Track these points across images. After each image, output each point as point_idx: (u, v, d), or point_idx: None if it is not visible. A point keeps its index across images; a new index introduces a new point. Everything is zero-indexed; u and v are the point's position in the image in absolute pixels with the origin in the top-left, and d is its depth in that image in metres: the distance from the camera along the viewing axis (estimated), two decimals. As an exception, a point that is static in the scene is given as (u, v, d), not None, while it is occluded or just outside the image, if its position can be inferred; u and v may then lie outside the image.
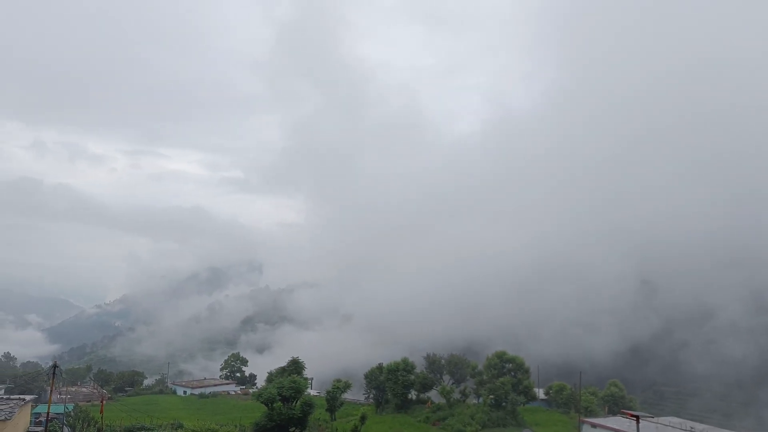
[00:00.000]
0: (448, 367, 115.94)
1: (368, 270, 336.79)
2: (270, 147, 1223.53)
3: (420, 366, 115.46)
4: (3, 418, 64.50)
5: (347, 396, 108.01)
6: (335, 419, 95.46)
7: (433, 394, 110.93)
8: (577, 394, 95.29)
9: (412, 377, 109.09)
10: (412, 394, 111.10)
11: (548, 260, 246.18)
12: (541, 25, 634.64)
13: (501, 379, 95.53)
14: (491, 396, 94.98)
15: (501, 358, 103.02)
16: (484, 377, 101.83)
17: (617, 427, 74.87)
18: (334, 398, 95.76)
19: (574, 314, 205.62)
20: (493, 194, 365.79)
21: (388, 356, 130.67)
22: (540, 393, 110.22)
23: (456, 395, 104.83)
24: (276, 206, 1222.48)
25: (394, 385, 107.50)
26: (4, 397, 76.84)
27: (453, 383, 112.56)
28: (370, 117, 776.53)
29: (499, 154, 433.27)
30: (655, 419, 76.10)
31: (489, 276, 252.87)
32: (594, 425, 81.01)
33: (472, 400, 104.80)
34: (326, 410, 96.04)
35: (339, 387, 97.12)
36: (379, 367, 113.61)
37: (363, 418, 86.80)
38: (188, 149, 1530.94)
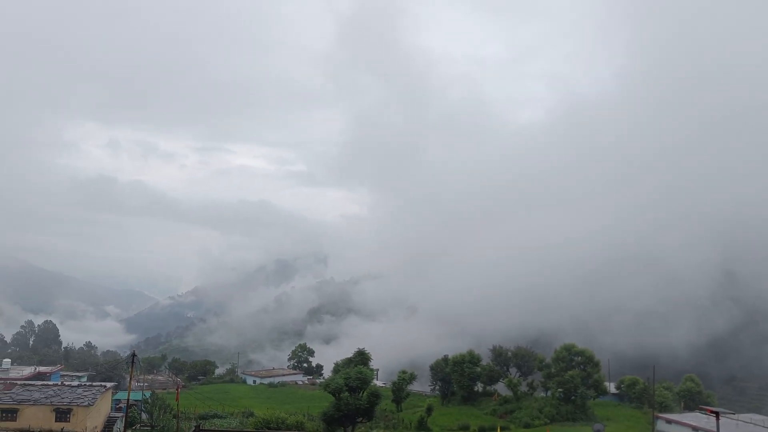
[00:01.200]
0: (514, 359, 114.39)
1: (433, 261, 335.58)
2: (333, 140, 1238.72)
3: (486, 358, 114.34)
4: (86, 403, 67.83)
5: (413, 387, 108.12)
6: (401, 410, 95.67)
7: (500, 387, 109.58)
8: (651, 389, 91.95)
9: (478, 369, 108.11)
10: (478, 387, 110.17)
11: (622, 249, 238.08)
12: (609, 9, 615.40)
13: (570, 372, 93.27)
14: (560, 389, 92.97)
15: (569, 350, 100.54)
16: (552, 370, 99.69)
17: (695, 424, 71.90)
18: (399, 389, 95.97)
19: (650, 305, 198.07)
20: (562, 182, 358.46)
21: (453, 348, 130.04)
22: (611, 387, 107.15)
23: (523, 388, 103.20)
24: (339, 199, 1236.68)
25: (459, 377, 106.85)
26: (87, 384, 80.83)
27: (520, 376, 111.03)
28: (433, 108, 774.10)
29: (566, 141, 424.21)
30: (735, 416, 72.46)
31: (559, 266, 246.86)
32: (669, 421, 78.05)
33: (540, 394, 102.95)
34: (392, 401, 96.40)
35: (404, 378, 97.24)
36: (445, 359, 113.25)
37: (429, 410, 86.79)
38: (254, 144, 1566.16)
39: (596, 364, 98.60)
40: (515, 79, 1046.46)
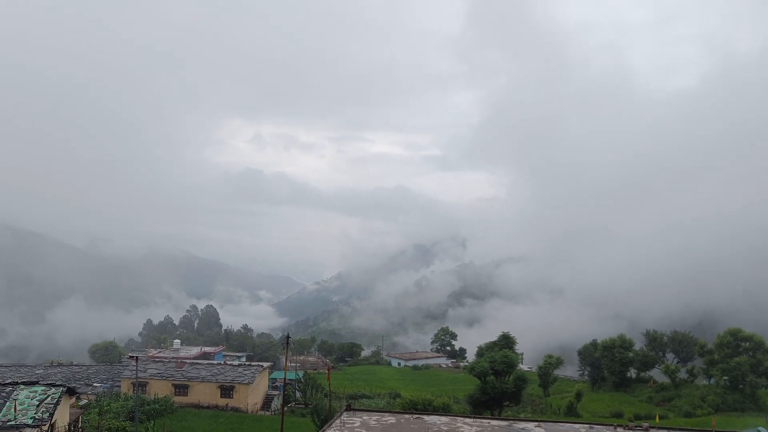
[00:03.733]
0: (671, 344, 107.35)
1: (580, 240, 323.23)
2: (467, 123, 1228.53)
3: (639, 343, 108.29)
4: (247, 381, 72.84)
5: (559, 372, 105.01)
6: (548, 395, 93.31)
7: (656, 373, 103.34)
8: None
9: (631, 355, 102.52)
10: (631, 373, 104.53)
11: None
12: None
13: (736, 359, 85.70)
14: (725, 377, 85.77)
15: (735, 335, 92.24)
16: (716, 357, 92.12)
17: None
18: (546, 374, 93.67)
19: None
20: (720, 151, 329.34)
21: (603, 332, 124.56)
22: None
23: (682, 375, 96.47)
24: (475, 181, 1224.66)
25: (610, 362, 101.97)
26: (246, 363, 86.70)
27: (678, 362, 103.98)
28: (572, 81, 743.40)
29: (724, 108, 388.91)
30: None
31: (724, 243, 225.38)
32: None
33: (702, 381, 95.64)
34: (539, 386, 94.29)
35: (551, 362, 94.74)
36: (594, 344, 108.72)
37: (578, 395, 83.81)
38: (388, 131, 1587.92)
39: (767, 351, 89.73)
40: (663, 45, 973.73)
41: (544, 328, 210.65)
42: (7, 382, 44.58)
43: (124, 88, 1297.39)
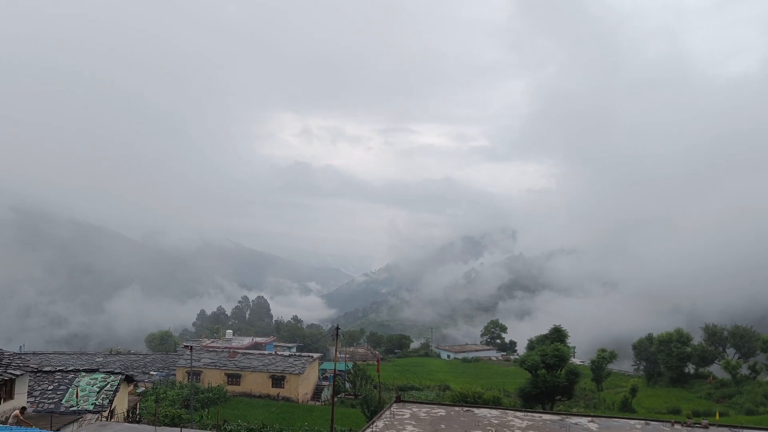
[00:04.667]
0: (732, 339, 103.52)
1: (635, 231, 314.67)
2: (517, 113, 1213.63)
3: (697, 337, 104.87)
4: (297, 372, 73.68)
5: (612, 366, 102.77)
6: (602, 390, 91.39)
7: (715, 369, 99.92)
8: None
9: (689, 350, 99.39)
10: (689, 368, 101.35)
11: None
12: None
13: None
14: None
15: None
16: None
17: None
18: (599, 368, 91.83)
19: None
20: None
21: (660, 326, 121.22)
22: None
23: (744, 371, 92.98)
24: (525, 173, 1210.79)
25: (667, 357, 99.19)
26: (297, 354, 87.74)
27: (739, 358, 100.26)
28: (625, 68, 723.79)
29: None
30: None
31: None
32: None
33: (765, 378, 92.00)
34: (592, 380, 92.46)
35: (604, 357, 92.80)
36: (649, 338, 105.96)
37: (633, 390, 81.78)
38: (436, 123, 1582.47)
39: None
40: (721, 28, 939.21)
41: (597, 321, 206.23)
42: (69, 369, 46.24)
43: (179, 90, 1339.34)
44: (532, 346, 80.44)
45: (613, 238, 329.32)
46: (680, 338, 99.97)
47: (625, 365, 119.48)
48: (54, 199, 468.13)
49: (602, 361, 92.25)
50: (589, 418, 33.81)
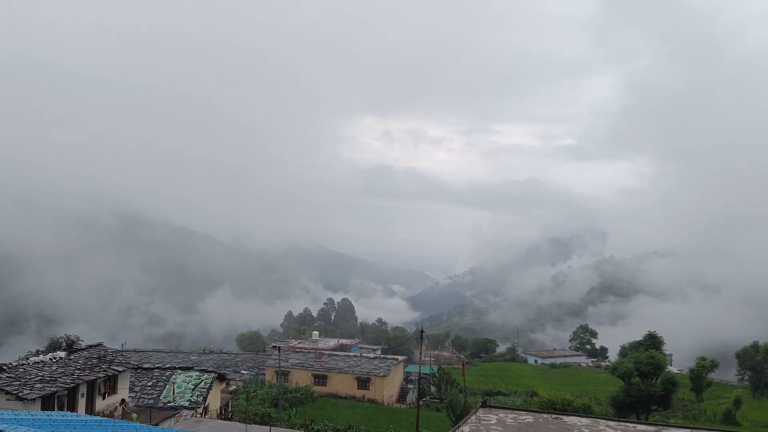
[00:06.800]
0: None
1: (737, 231, 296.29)
2: (604, 110, 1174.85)
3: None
4: (383, 374, 74.03)
5: (714, 376, 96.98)
6: (702, 400, 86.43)
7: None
8: None
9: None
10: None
11: None
12: None
13: None
14: None
15: None
16: None
17: None
18: (699, 377, 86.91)
19: None
20: None
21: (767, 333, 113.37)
22: None
23: None
24: (614, 172, 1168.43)
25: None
26: (382, 356, 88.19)
27: None
28: (722, 58, 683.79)
29: None
30: None
31: None
32: None
33: None
34: (691, 390, 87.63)
35: (704, 365, 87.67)
36: (755, 346, 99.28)
37: (737, 402, 76.81)
38: (519, 123, 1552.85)
39: None
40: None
41: (696, 327, 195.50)
42: (167, 366, 48.52)
43: (265, 100, 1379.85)
44: (624, 352, 77.36)
45: (713, 239, 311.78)
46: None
47: (729, 375, 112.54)
48: (151, 206, 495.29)
49: (702, 369, 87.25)
50: (689, 431, 31.90)
